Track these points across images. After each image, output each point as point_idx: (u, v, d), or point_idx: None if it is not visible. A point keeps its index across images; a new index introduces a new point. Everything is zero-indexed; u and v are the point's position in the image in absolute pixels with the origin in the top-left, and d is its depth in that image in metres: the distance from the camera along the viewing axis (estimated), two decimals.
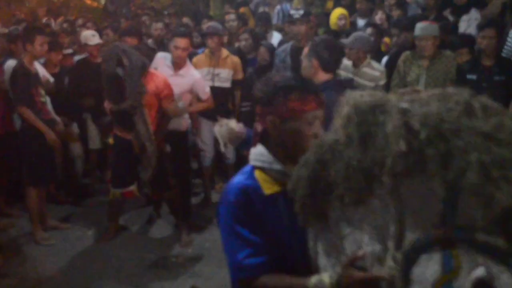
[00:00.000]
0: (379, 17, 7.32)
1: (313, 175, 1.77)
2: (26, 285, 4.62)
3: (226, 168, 6.54)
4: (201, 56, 6.21)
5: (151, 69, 5.07)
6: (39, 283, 4.64)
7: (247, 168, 2.04)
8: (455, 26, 7.04)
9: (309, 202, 1.79)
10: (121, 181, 5.12)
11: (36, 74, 5.35)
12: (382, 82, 5.46)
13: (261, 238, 1.91)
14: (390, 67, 5.68)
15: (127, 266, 4.91)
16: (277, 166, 1.97)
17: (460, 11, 7.38)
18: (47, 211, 5.66)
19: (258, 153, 2.03)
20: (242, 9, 9.46)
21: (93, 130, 6.63)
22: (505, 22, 6.79)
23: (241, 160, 6.61)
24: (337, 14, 7.74)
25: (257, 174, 2.00)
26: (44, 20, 10.43)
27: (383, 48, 6.83)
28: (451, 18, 7.26)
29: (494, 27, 5.09)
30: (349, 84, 4.81)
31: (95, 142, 6.70)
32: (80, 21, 9.11)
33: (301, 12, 5.60)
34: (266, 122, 1.98)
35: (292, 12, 5.84)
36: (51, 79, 5.73)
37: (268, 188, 1.96)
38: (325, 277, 1.76)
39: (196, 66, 6.08)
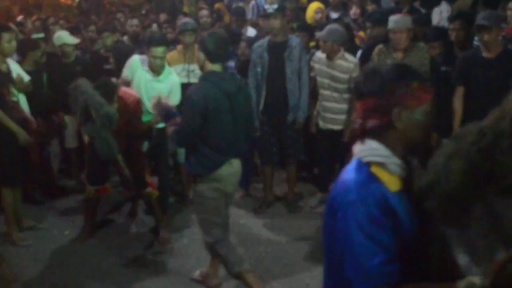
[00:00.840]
0: (353, 11, 7.36)
1: (471, 166, 1.64)
2: (2, 285, 4.56)
3: None
4: (175, 53, 6.19)
5: (123, 89, 5.04)
6: (16, 284, 4.59)
7: (355, 166, 1.88)
8: (428, 18, 7.12)
9: (456, 197, 1.66)
10: (96, 178, 5.12)
11: (7, 73, 5.27)
12: (356, 73, 5.49)
13: (393, 241, 1.74)
14: (364, 61, 5.71)
15: (105, 265, 4.88)
16: (396, 160, 1.85)
17: (431, 3, 7.48)
18: (23, 211, 5.59)
19: (372, 148, 1.86)
20: (217, 5, 9.44)
21: (70, 129, 6.58)
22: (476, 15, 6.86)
23: None
24: (313, 8, 7.80)
25: (375, 170, 1.84)
26: (19, 18, 10.31)
27: (357, 41, 6.88)
28: (422, 10, 7.33)
29: (462, 19, 5.12)
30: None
31: (72, 141, 6.65)
32: (52, 19, 9.00)
33: (275, 6, 5.60)
34: (389, 114, 1.83)
35: (266, 6, 5.83)
36: (27, 78, 5.66)
37: (392, 184, 1.81)
38: (475, 279, 1.59)
39: (170, 63, 6.07)
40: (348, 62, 5.55)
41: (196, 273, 4.58)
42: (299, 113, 5.69)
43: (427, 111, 1.85)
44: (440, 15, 7.17)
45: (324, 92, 5.72)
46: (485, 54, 4.82)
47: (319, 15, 7.63)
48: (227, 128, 3.94)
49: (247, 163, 6.38)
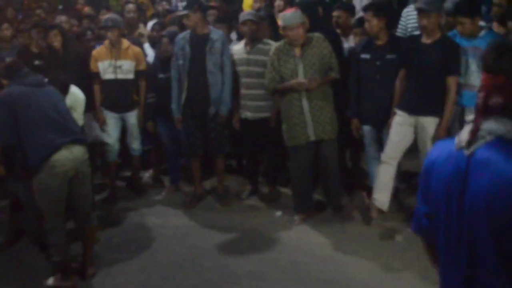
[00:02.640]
0: (277, 3, 7.35)
1: None
2: None
3: (132, 159, 6.43)
4: (101, 49, 6.08)
5: None
6: None
7: (503, 145, 1.80)
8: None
9: None
10: None
11: None
12: None
13: None
14: None
15: (34, 271, 4.74)
16: None
17: None
18: None
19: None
20: None
21: None
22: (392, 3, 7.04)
23: (146, 153, 6.55)
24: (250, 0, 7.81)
25: None
26: None
27: (281, 32, 6.88)
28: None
29: (371, 9, 5.18)
30: None
31: None
32: None
33: (184, 3, 5.56)
34: None
35: (178, 4, 5.80)
36: None
37: None
38: None
39: (97, 60, 5.95)
40: (268, 44, 5.64)
41: (49, 280, 4.51)
42: (221, 107, 5.67)
43: None
44: (360, 4, 7.26)
45: (246, 80, 5.73)
46: (424, 39, 4.91)
47: (257, 5, 7.64)
48: (40, 120, 4.14)
49: (174, 158, 6.33)
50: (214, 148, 5.86)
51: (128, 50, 6.05)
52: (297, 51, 5.09)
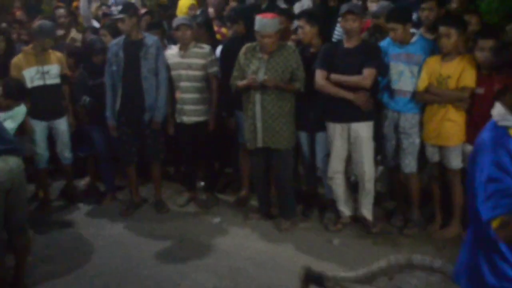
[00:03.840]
0: (210, 11, 7.37)
1: None
2: None
3: (64, 168, 6.26)
4: (23, 56, 5.82)
5: None
6: None
7: (491, 126, 2.18)
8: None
9: None
10: None
11: None
12: (211, 58, 5.70)
13: None
14: (225, 56, 5.75)
15: None
16: None
17: None
18: None
19: (501, 113, 2.15)
20: (75, 3, 9.07)
21: None
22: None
23: (79, 160, 6.39)
24: (187, 4, 7.81)
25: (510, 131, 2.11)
26: None
27: (219, 37, 6.90)
28: (284, 5, 7.47)
29: (304, 17, 5.23)
30: None
31: None
32: None
33: (120, 8, 5.49)
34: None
35: (113, 9, 5.71)
36: None
37: None
38: None
39: (20, 68, 5.73)
40: (202, 48, 5.69)
41: None
42: (156, 112, 5.61)
43: None
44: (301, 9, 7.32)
45: (182, 85, 5.69)
46: (346, 44, 4.98)
47: (192, 12, 7.63)
48: None
49: (109, 166, 6.20)
50: (150, 155, 5.78)
51: (51, 55, 5.92)
52: (265, 55, 5.10)
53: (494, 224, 1.97)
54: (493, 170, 2.03)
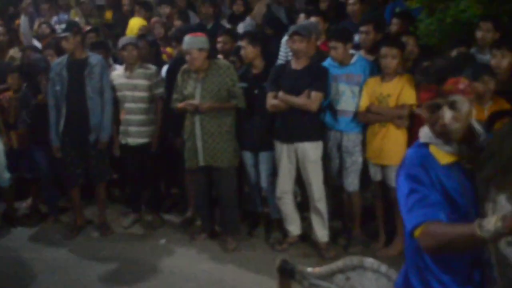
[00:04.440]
0: (157, 31, 7.33)
1: None
2: None
3: (3, 191, 6.11)
4: None
5: None
6: None
7: (416, 144, 2.24)
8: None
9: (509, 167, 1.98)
10: None
11: None
12: (157, 79, 5.70)
13: (436, 196, 2.06)
14: (170, 76, 5.74)
15: None
16: (439, 141, 2.16)
17: (236, 19, 7.73)
18: None
19: (425, 131, 2.22)
20: (17, 21, 8.89)
21: None
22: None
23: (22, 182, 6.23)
24: (137, 25, 7.78)
25: (431, 148, 2.17)
26: None
27: (165, 57, 6.88)
28: (228, 26, 7.53)
29: (247, 37, 5.28)
30: None
31: None
32: None
33: (63, 26, 5.43)
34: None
35: (56, 27, 5.64)
36: None
37: (443, 159, 2.14)
38: (491, 217, 1.84)
39: None
40: (148, 69, 5.68)
41: None
42: (102, 133, 5.54)
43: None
44: (244, 29, 7.38)
45: (127, 106, 5.65)
46: (293, 65, 5.05)
47: (142, 32, 7.56)
48: None
49: (52, 188, 6.06)
50: (95, 176, 5.68)
51: None
52: (200, 74, 5.12)
53: (416, 233, 2.04)
54: (412, 183, 2.11)
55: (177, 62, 5.72)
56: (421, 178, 2.11)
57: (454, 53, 4.86)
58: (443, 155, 2.15)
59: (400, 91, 4.77)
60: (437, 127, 2.14)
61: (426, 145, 2.21)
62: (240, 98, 5.15)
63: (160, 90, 5.70)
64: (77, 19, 8.24)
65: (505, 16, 5.19)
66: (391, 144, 4.83)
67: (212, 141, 5.12)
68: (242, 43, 5.32)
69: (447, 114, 2.11)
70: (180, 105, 5.19)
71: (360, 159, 5.07)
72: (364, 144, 5.05)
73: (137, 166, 5.80)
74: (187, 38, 5.08)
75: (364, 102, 4.93)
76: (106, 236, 5.74)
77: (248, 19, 7.50)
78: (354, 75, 5.01)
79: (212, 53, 5.43)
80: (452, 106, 2.11)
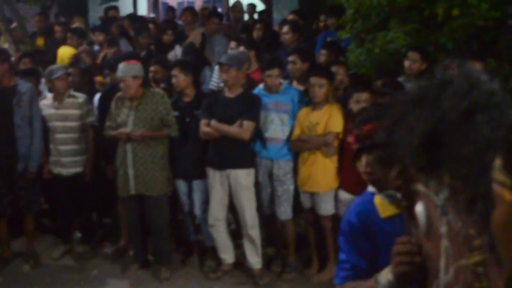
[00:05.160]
0: (85, 60, 7.28)
1: None
2: None
3: None
4: None
5: None
6: None
7: (365, 193, 2.21)
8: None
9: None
10: None
11: None
12: (87, 107, 5.65)
13: (361, 259, 2.07)
14: (102, 104, 5.69)
15: None
16: (386, 198, 2.11)
17: (166, 48, 7.78)
18: None
19: None
20: None
21: None
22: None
23: None
24: (68, 54, 7.65)
25: (376, 199, 2.14)
26: None
27: (97, 86, 6.81)
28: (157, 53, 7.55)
29: (178, 65, 5.32)
30: None
31: None
32: None
33: None
34: None
35: None
36: None
37: (384, 211, 2.09)
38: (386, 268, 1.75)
39: None
40: (78, 98, 5.64)
41: None
42: (30, 162, 5.42)
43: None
44: (175, 58, 7.43)
45: (58, 136, 5.57)
46: (226, 93, 5.12)
47: (73, 61, 7.47)
48: None
49: None
50: (23, 206, 5.53)
51: None
52: (133, 102, 5.10)
53: None
54: (342, 240, 2.16)
55: (110, 90, 5.70)
56: (350, 236, 2.13)
57: (379, 83, 5.05)
58: (386, 207, 2.10)
59: (327, 119, 4.90)
60: (364, 175, 2.17)
61: (371, 194, 2.18)
62: (173, 127, 5.17)
63: (92, 119, 5.65)
64: (6, 45, 8.09)
65: (431, 46, 5.43)
66: (320, 171, 4.93)
67: (144, 169, 5.10)
68: (173, 71, 5.34)
69: (363, 161, 2.13)
70: (112, 133, 5.17)
71: (291, 187, 5.15)
72: (295, 171, 5.13)
73: (69, 196, 5.69)
74: (122, 66, 5.08)
75: (296, 131, 5.03)
76: (34, 269, 5.56)
77: (177, 48, 7.57)
78: (283, 103, 5.13)
79: (146, 81, 5.44)
80: (370, 151, 2.09)
